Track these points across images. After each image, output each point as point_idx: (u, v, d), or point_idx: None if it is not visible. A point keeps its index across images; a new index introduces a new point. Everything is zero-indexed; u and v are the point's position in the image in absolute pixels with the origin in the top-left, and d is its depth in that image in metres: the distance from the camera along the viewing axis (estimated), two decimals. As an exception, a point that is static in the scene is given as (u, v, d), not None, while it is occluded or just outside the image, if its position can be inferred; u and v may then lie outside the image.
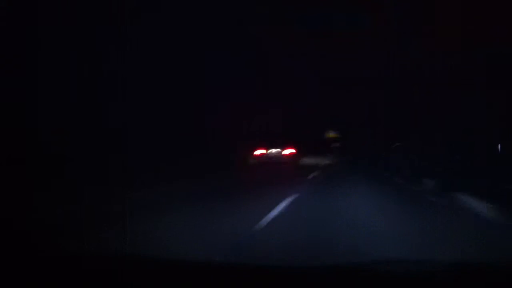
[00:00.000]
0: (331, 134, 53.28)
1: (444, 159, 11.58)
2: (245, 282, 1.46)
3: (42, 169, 7.92)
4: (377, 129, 40.09)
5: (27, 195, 5.81)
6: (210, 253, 3.32)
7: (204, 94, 18.03)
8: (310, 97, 37.87)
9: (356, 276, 1.47)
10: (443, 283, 1.39)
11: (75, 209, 5.50)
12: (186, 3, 15.67)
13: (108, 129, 11.05)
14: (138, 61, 13.01)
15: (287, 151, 15.81)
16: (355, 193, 7.82)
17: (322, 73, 37.77)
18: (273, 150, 16.00)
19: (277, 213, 5.37)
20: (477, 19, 12.80)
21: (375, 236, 4.09)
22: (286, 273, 1.55)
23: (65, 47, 10.36)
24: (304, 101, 35.69)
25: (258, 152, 16.15)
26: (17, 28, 9.59)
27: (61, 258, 1.71)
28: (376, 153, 22.95)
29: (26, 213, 4.97)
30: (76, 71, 10.82)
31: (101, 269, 1.55)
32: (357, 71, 30.96)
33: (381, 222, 4.88)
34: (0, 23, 9.17)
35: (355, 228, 4.45)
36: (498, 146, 11.08)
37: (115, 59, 11.79)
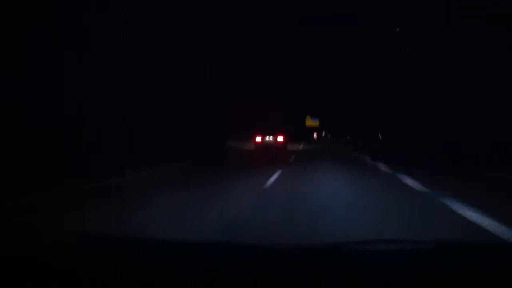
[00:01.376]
0: (311, 122, 58.06)
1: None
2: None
3: None
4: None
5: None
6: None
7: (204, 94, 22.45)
8: (295, 85, 44.15)
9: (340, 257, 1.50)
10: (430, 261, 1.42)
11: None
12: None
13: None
14: (136, 59, 12.85)
15: (279, 138, 21.91)
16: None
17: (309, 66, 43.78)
18: (269, 137, 22.04)
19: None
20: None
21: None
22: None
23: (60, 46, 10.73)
24: (290, 90, 42.14)
25: (258, 139, 22.20)
26: (16, 28, 9.71)
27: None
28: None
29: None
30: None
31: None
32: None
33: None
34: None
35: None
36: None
37: (109, 57, 11.88)
